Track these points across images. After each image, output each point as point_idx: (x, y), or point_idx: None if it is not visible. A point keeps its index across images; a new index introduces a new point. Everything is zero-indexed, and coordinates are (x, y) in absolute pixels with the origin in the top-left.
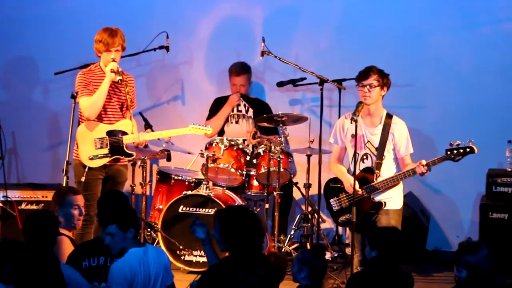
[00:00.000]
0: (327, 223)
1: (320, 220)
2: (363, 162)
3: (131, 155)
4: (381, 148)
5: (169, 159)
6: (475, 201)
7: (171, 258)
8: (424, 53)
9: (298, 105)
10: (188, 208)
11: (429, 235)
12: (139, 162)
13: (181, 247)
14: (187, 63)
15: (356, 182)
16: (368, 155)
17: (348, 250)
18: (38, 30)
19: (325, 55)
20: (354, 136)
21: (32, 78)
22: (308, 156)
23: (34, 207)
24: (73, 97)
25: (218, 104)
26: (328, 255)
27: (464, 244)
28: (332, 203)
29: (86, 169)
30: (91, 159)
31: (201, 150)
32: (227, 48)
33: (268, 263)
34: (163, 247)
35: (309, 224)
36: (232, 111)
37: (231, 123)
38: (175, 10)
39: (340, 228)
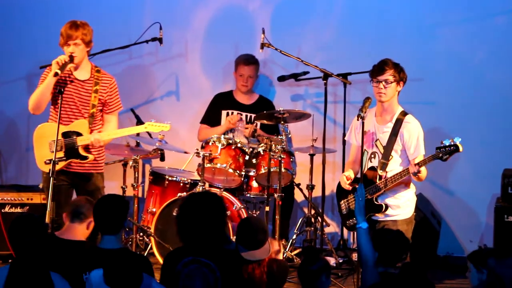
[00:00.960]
0: (332, 227)
1: (324, 223)
2: (371, 161)
3: (86, 157)
4: (388, 148)
5: (162, 158)
6: (489, 204)
7: None
8: (434, 46)
9: (301, 101)
10: None
11: (441, 239)
12: (130, 162)
13: None
14: (182, 56)
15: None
16: (376, 153)
17: (354, 256)
18: (26, 20)
19: (329, 48)
20: (362, 132)
21: (15, 72)
22: (311, 156)
23: (18, 210)
24: (60, 92)
25: (218, 101)
26: (332, 261)
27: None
28: (341, 205)
29: (45, 175)
30: (46, 163)
31: (197, 149)
32: (225, 40)
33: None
34: (156, 253)
35: (312, 228)
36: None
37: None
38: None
39: (345, 233)
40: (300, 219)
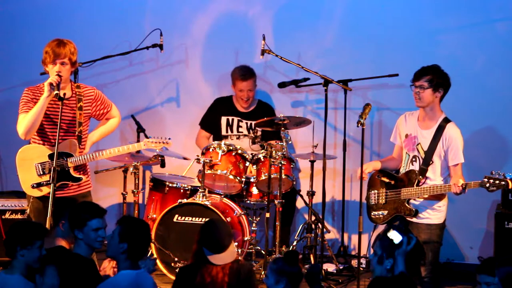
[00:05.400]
0: (332, 234)
1: (325, 230)
2: (412, 165)
3: (78, 179)
4: (429, 153)
5: (163, 165)
6: (489, 210)
7: (165, 271)
8: (435, 52)
9: (301, 107)
10: (183, 218)
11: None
12: (131, 169)
13: (176, 259)
14: (182, 62)
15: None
16: (417, 157)
17: (354, 262)
18: (25, 27)
19: (330, 54)
20: (362, 139)
21: (16, 79)
22: (312, 162)
23: (19, 216)
24: (61, 98)
25: (218, 106)
26: (333, 268)
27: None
28: (371, 196)
29: (31, 199)
30: (33, 187)
31: (198, 156)
32: (225, 46)
33: None
34: (157, 259)
35: (313, 235)
36: (232, 131)
37: (231, 139)
38: (169, 6)
39: (346, 239)
40: (301, 226)
